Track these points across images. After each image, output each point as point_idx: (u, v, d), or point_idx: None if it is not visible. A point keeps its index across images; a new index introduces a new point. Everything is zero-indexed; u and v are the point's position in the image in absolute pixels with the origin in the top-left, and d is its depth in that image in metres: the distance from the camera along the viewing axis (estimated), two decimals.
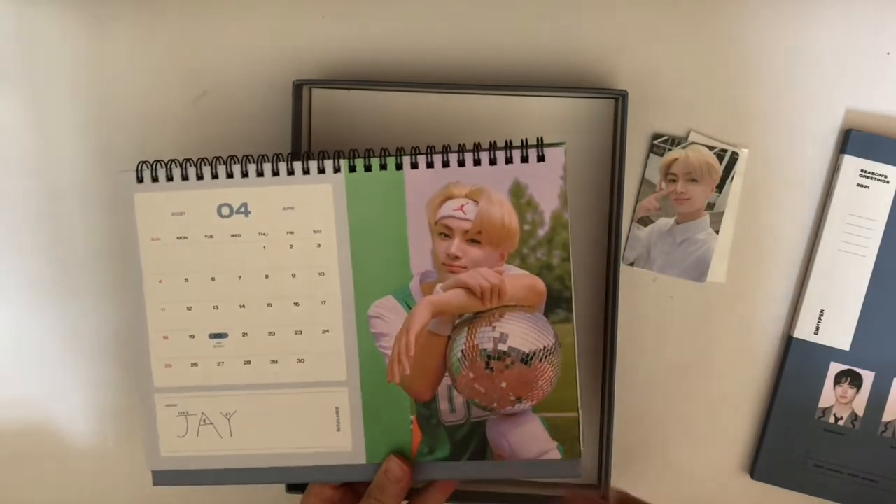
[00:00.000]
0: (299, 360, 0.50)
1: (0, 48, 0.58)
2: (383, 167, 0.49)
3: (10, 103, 0.58)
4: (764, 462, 0.58)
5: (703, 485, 0.60)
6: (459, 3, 0.57)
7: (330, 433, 0.50)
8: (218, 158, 0.49)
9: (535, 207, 0.48)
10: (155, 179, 0.49)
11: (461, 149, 0.49)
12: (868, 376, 0.57)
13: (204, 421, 0.51)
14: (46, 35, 0.58)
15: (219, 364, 0.50)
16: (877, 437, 0.57)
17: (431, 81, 0.57)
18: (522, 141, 0.48)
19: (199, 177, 0.49)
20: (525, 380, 0.49)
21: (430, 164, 0.48)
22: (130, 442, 0.61)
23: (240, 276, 0.50)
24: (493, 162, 0.48)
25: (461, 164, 0.48)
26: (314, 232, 0.49)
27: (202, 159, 0.49)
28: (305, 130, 0.56)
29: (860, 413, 0.57)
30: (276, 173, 0.49)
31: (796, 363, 0.57)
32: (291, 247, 0.49)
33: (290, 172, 0.49)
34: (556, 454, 0.50)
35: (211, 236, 0.49)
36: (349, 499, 0.51)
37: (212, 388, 0.50)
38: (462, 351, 0.49)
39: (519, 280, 0.49)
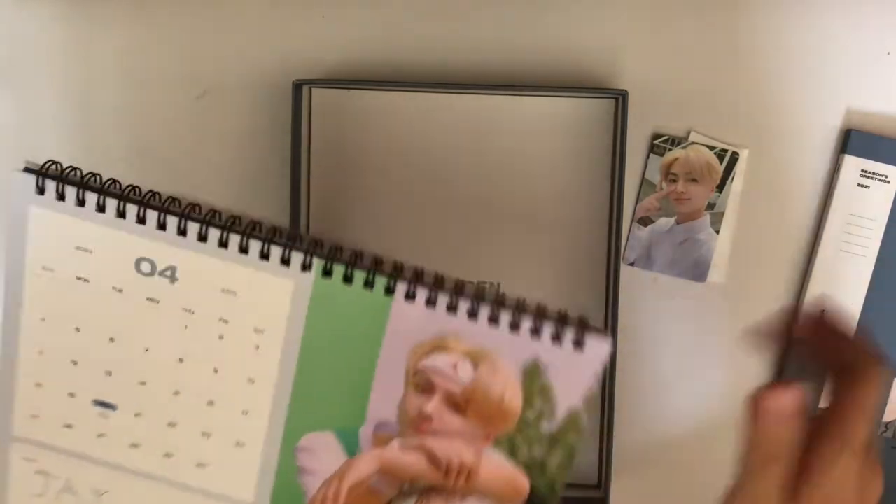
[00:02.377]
0: (199, 465, 0.41)
1: (3, 49, 0.58)
2: (368, 284, 0.38)
3: (7, 103, 0.58)
4: None
5: (704, 485, 0.59)
6: (459, 2, 0.57)
7: None
8: (153, 195, 0.39)
9: (550, 398, 0.38)
10: (61, 197, 0.38)
11: (477, 296, 0.38)
12: None
13: (67, 489, 0.42)
14: (46, 35, 0.58)
15: (99, 436, 0.41)
16: (877, 438, 0.57)
17: (431, 81, 0.57)
18: (560, 314, 0.38)
19: (120, 213, 0.38)
20: None
21: (430, 302, 0.38)
22: None
23: (146, 349, 0.40)
24: (514, 327, 0.38)
25: (472, 315, 0.38)
26: (254, 331, 0.39)
27: (132, 189, 0.39)
28: (305, 130, 0.56)
29: None
30: (223, 244, 0.38)
31: (796, 363, 0.57)
32: (221, 337, 0.40)
33: (244, 250, 0.38)
34: None
35: (120, 290, 0.39)
36: None
37: (84, 457, 0.42)
38: None
39: (499, 470, 0.39)
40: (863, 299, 0.56)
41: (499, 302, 0.38)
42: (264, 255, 0.38)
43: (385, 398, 0.39)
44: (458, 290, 0.38)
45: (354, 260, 0.38)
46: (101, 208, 0.38)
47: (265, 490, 0.41)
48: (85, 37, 0.58)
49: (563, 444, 0.39)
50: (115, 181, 0.39)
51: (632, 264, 0.58)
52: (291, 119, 0.54)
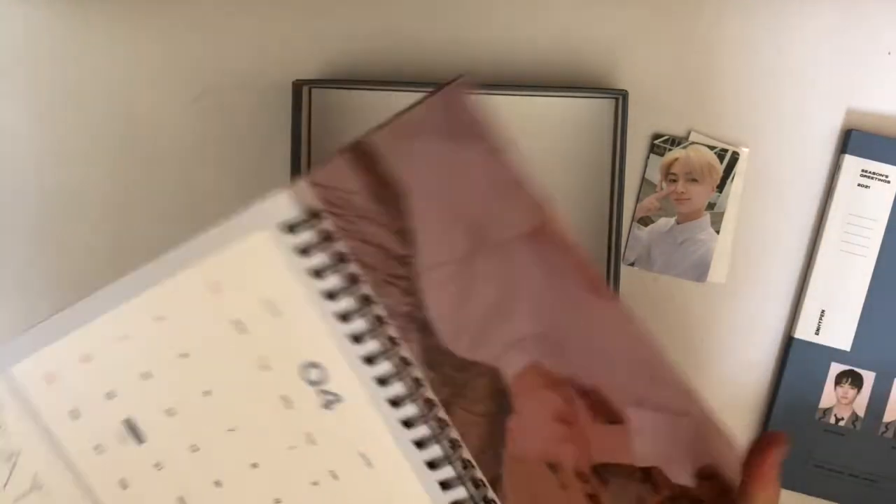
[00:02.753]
0: None
1: (1, 48, 0.58)
2: None
3: (7, 103, 0.58)
4: None
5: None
6: (459, 2, 0.57)
7: None
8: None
9: None
10: (304, 252, 0.31)
11: None
12: (869, 377, 0.57)
13: None
14: (45, 35, 0.58)
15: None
16: (877, 438, 0.57)
17: (431, 81, 0.57)
18: None
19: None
20: None
21: None
22: None
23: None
24: None
25: None
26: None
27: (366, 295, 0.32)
28: (305, 130, 0.56)
29: (861, 413, 0.57)
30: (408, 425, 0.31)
31: (797, 363, 0.57)
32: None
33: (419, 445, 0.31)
34: None
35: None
36: None
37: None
38: None
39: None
40: (863, 299, 0.56)
41: None
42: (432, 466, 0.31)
43: None
44: None
45: None
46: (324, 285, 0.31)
47: None
48: (84, 37, 0.58)
49: None
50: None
51: (632, 264, 0.58)
52: (291, 119, 0.54)
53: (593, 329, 0.38)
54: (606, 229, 0.57)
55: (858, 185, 0.56)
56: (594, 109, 0.57)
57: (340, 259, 0.31)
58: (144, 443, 0.33)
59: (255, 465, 0.33)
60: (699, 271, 0.57)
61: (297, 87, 0.54)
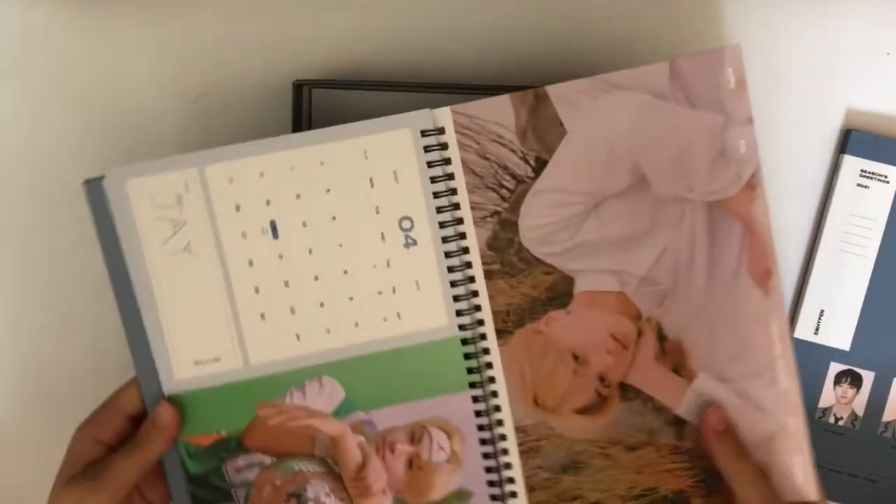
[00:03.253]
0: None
1: (2, 49, 0.58)
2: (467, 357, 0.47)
3: (9, 102, 0.58)
4: None
5: None
6: (460, 2, 0.57)
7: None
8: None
9: None
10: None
11: None
12: (868, 376, 0.57)
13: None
14: (45, 34, 0.58)
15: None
16: (877, 438, 0.57)
17: (431, 81, 0.57)
18: None
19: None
20: None
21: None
22: None
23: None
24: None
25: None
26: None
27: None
28: (305, 130, 0.56)
29: (860, 413, 0.57)
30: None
31: (796, 363, 0.57)
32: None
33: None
34: None
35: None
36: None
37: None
38: (294, 470, 0.47)
39: None
40: (862, 299, 0.56)
41: None
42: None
43: (393, 418, 0.47)
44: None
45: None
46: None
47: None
48: (83, 37, 0.58)
49: None
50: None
51: None
52: (291, 119, 0.54)
53: (728, 305, 0.46)
54: None
55: (858, 185, 0.56)
56: None
57: (446, 161, 0.46)
58: (277, 239, 0.46)
59: (346, 272, 0.46)
60: None
61: (298, 87, 0.54)
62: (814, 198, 0.57)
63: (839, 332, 0.57)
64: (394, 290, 0.46)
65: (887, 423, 0.57)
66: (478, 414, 0.47)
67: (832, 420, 0.57)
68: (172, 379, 0.46)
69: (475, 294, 0.47)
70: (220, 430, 0.47)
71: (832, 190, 0.56)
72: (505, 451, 0.47)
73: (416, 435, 0.46)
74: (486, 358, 0.47)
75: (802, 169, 0.57)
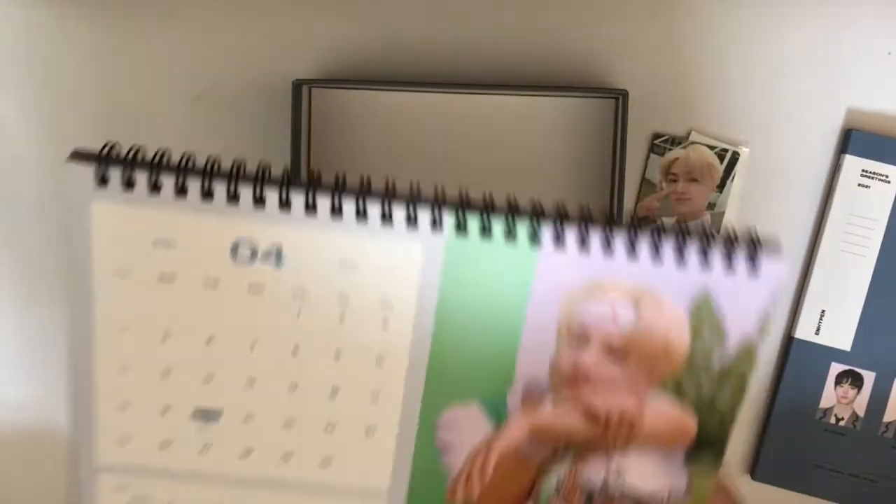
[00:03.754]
0: (324, 461, 0.37)
1: (2, 49, 0.58)
2: (510, 234, 0.33)
3: (10, 103, 0.58)
4: (764, 463, 0.58)
5: None
6: (459, 2, 0.57)
7: None
8: (239, 169, 0.32)
9: (720, 331, 0.34)
10: (129, 185, 0.32)
11: (633, 224, 0.33)
12: (869, 377, 0.57)
13: None
14: (43, 35, 0.58)
15: (204, 447, 0.36)
16: (877, 438, 0.57)
17: (431, 81, 0.57)
18: (729, 236, 0.33)
19: (206, 193, 0.32)
20: None
21: (583, 243, 0.33)
22: None
23: (252, 345, 0.35)
24: (680, 260, 0.33)
25: (631, 252, 0.33)
26: (381, 305, 0.34)
27: (213, 164, 0.33)
28: (305, 130, 0.56)
29: (861, 413, 0.57)
30: (336, 210, 0.32)
31: (797, 364, 0.57)
32: (342, 318, 0.34)
33: (361, 214, 0.32)
34: None
35: (214, 285, 0.34)
36: None
37: (188, 475, 0.37)
38: (558, 483, 0.37)
39: (663, 414, 0.36)
40: (863, 299, 0.56)
41: (658, 232, 0.33)
42: (386, 218, 0.32)
43: (535, 357, 0.35)
44: (611, 224, 0.33)
45: (488, 209, 0.33)
46: (181, 191, 0.32)
47: (402, 475, 0.37)
48: (83, 37, 0.58)
49: (734, 377, 0.35)
50: (186, 160, 0.33)
51: None
52: (291, 119, 0.54)
53: None
54: None
55: (859, 185, 0.56)
56: (594, 109, 0.57)
57: None
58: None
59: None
60: None
61: (297, 87, 0.54)
62: (815, 198, 0.57)
63: (840, 333, 0.57)
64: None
65: (888, 424, 0.57)
66: None
67: (833, 420, 0.57)
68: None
69: None
70: None
71: (833, 190, 0.56)
72: None
73: (576, 335, 0.35)
74: None
75: (803, 169, 0.57)
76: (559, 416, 0.36)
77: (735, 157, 0.57)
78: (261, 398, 0.36)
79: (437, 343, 0.35)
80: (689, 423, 0.36)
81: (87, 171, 0.32)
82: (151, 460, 0.36)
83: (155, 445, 0.36)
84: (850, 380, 0.57)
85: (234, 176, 0.32)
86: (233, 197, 0.32)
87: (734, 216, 0.57)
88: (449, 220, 0.33)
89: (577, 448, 0.37)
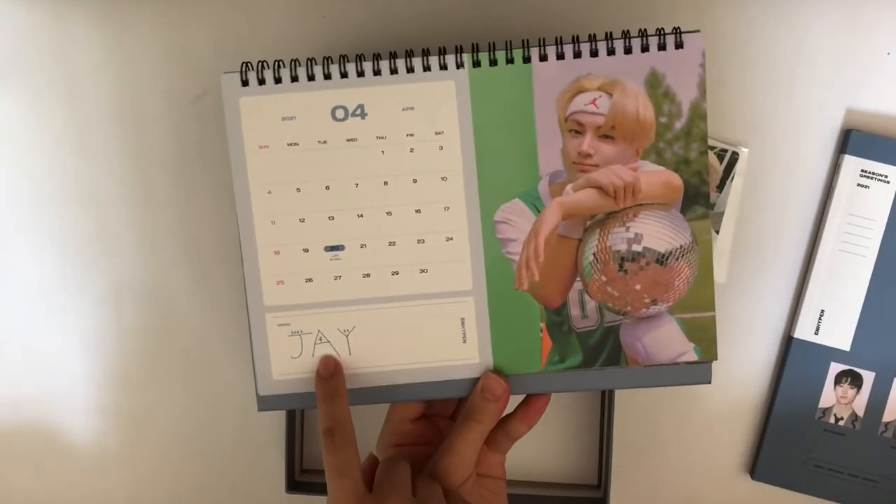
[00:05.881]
0: (422, 271, 0.47)
1: (10, 47, 0.58)
2: (510, 61, 0.46)
3: (12, 103, 0.58)
4: (764, 462, 0.58)
5: (704, 485, 0.59)
6: (459, 3, 0.57)
7: (456, 345, 0.48)
8: (328, 58, 0.46)
9: (673, 98, 0.46)
10: (262, 82, 0.46)
11: (592, 38, 0.46)
12: (868, 376, 0.57)
13: (320, 339, 0.48)
14: (44, 35, 0.58)
15: (336, 278, 0.47)
16: (877, 438, 0.57)
17: None
18: (658, 30, 0.46)
19: (310, 77, 0.46)
20: (660, 281, 0.47)
21: (560, 56, 0.46)
22: (132, 441, 0.61)
23: (356, 184, 0.47)
24: (628, 51, 0.45)
25: (594, 54, 0.45)
26: (436, 133, 0.46)
27: (311, 59, 0.46)
28: None
29: (860, 413, 0.57)
30: (393, 71, 0.46)
31: (796, 363, 0.57)
32: (412, 150, 0.46)
33: (410, 70, 0.46)
34: (692, 356, 0.47)
35: (325, 142, 0.46)
36: (430, 431, 0.50)
37: (328, 304, 0.48)
38: (594, 254, 0.47)
39: (654, 176, 0.46)
40: (862, 299, 0.56)
41: (609, 37, 0.46)
42: (426, 68, 0.46)
43: (550, 152, 0.46)
44: (577, 41, 0.46)
45: (493, 47, 0.46)
46: (294, 78, 0.46)
47: (479, 271, 0.47)
48: (83, 37, 0.58)
49: (695, 134, 0.46)
50: (294, 60, 0.46)
51: None
52: None
53: None
54: None
55: (858, 185, 0.56)
56: None
57: None
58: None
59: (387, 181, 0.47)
60: None
61: None
62: (814, 198, 0.57)
63: (839, 333, 0.57)
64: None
65: (887, 424, 0.57)
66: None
67: (832, 420, 0.57)
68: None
69: None
70: (539, 329, 0.48)
71: (832, 190, 0.56)
72: None
73: (572, 127, 0.46)
74: None
75: (803, 169, 0.57)
76: (579, 195, 0.47)
77: (735, 157, 0.57)
78: (369, 227, 0.47)
79: (480, 156, 0.47)
80: (675, 178, 0.46)
81: (235, 77, 0.46)
82: (302, 297, 0.48)
83: (302, 282, 0.47)
84: (849, 379, 0.57)
85: (325, 61, 0.46)
86: (326, 76, 0.46)
87: (734, 216, 0.57)
88: (467, 59, 0.46)
89: (600, 220, 0.47)
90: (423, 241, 0.47)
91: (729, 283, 0.57)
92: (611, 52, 0.45)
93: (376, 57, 0.46)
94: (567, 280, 0.47)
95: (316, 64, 0.46)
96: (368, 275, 0.47)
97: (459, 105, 0.46)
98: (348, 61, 0.46)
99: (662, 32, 0.45)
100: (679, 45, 0.45)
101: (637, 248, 0.47)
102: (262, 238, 0.47)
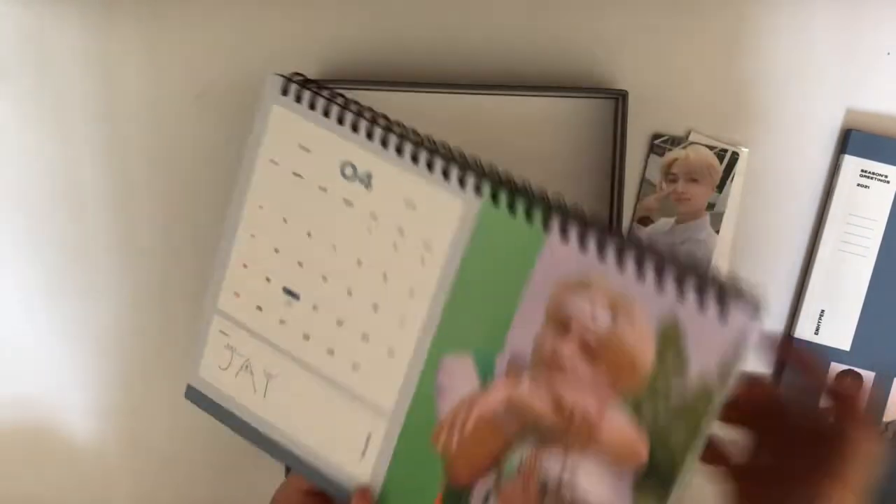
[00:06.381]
0: (354, 366, 0.44)
1: (5, 49, 0.58)
2: (528, 216, 0.39)
3: (15, 103, 0.58)
4: None
5: (705, 485, 0.59)
6: (459, 2, 0.57)
7: (354, 454, 0.45)
8: (365, 109, 0.43)
9: (682, 362, 0.36)
10: (298, 99, 0.43)
11: (627, 240, 0.37)
12: (869, 376, 0.57)
13: (246, 367, 0.47)
14: (49, 36, 0.58)
15: (280, 322, 0.46)
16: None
17: (431, 81, 0.57)
18: (710, 275, 0.36)
19: (340, 120, 0.43)
20: None
21: (581, 241, 0.38)
22: (131, 440, 0.61)
23: (334, 246, 0.44)
24: (659, 283, 0.36)
25: (619, 263, 0.37)
26: (423, 244, 0.42)
27: (349, 101, 0.43)
28: None
29: None
30: (415, 159, 0.41)
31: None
32: (395, 246, 0.42)
33: (429, 166, 0.41)
34: None
35: (325, 189, 0.43)
36: None
37: (266, 341, 0.46)
38: (520, 462, 0.40)
39: (620, 429, 0.38)
40: (862, 299, 0.56)
41: (645, 249, 0.37)
42: (445, 174, 0.41)
43: (524, 329, 0.40)
44: (608, 232, 0.38)
45: (515, 189, 0.40)
46: (325, 113, 0.43)
47: (404, 401, 0.43)
48: (83, 37, 0.58)
49: (690, 417, 0.37)
50: (336, 93, 0.44)
51: None
52: None
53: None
54: None
55: (858, 185, 0.56)
56: (594, 109, 0.57)
57: None
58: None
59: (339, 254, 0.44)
60: None
61: None
62: (814, 198, 0.57)
63: (840, 332, 0.57)
64: (401, 233, 0.44)
65: (888, 424, 0.57)
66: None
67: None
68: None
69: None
70: (434, 494, 0.43)
71: (832, 190, 0.56)
72: None
73: (559, 322, 0.39)
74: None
75: (802, 169, 0.57)
76: (533, 394, 0.40)
77: (735, 158, 0.57)
78: (328, 294, 0.44)
79: (456, 291, 0.42)
80: (641, 446, 0.38)
81: (278, 82, 0.44)
82: (248, 319, 0.46)
83: (253, 306, 0.46)
84: (849, 379, 0.57)
85: (358, 112, 0.43)
86: (354, 127, 0.42)
87: (734, 216, 0.57)
88: (487, 189, 0.40)
89: (541, 433, 0.40)
90: (368, 338, 0.44)
91: None
92: (639, 272, 0.37)
93: (405, 133, 0.42)
94: (482, 467, 0.41)
95: (350, 110, 0.43)
96: (308, 337, 0.45)
97: (458, 231, 0.41)
98: (376, 123, 0.43)
99: (710, 282, 0.35)
100: (722, 314, 0.35)
101: (567, 488, 0.40)
102: (239, 247, 0.46)
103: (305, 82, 0.44)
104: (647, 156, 0.57)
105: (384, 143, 0.42)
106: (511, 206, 0.40)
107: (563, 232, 0.38)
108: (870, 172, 0.56)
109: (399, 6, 0.57)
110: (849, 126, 0.56)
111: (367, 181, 0.43)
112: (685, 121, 0.57)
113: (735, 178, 0.57)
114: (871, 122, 0.56)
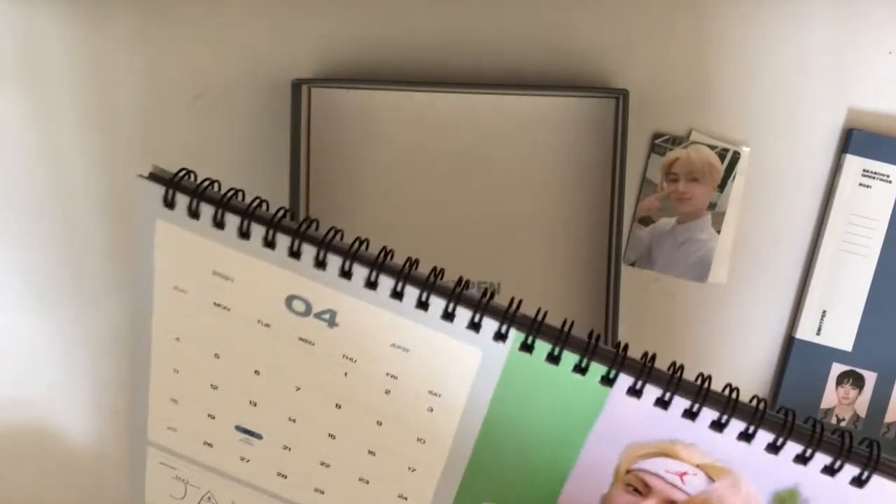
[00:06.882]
0: None
1: (1, 49, 0.58)
2: (581, 370, 0.31)
3: (11, 103, 0.58)
4: None
5: None
6: (459, 2, 0.57)
7: None
8: (311, 223, 0.31)
9: None
10: (194, 215, 0.31)
11: (729, 403, 0.29)
12: (870, 377, 0.56)
13: (208, 499, 0.41)
14: (47, 35, 0.58)
15: (243, 459, 0.38)
16: (879, 439, 0.57)
17: (431, 81, 0.57)
18: (842, 434, 0.29)
19: (269, 244, 0.31)
20: None
21: (662, 402, 0.30)
22: (131, 441, 0.61)
23: (298, 388, 0.35)
24: (773, 449, 0.29)
25: (717, 426, 0.29)
26: (430, 393, 0.33)
27: (280, 212, 0.31)
28: (305, 130, 0.56)
29: (862, 414, 0.57)
30: (397, 296, 0.30)
31: (798, 364, 0.57)
32: (387, 392, 0.34)
33: (422, 306, 0.31)
34: None
35: (268, 325, 0.34)
36: None
37: (228, 476, 0.39)
38: None
39: None
40: (864, 299, 0.56)
41: (760, 414, 0.29)
42: (448, 316, 0.31)
43: (585, 488, 0.33)
44: (699, 391, 0.30)
45: (563, 336, 0.31)
46: (244, 234, 0.31)
47: None
48: (83, 37, 0.58)
49: None
50: (263, 201, 0.32)
51: (632, 264, 0.58)
52: (291, 119, 0.54)
53: None
54: (607, 229, 0.57)
55: (860, 184, 0.56)
56: (594, 109, 0.56)
57: None
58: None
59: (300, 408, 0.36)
60: (700, 271, 0.57)
61: (297, 86, 0.54)
62: (816, 197, 0.57)
63: (841, 333, 0.56)
64: (393, 377, 0.35)
65: (889, 424, 0.57)
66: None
67: (834, 421, 0.57)
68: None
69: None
70: None
71: (834, 190, 0.56)
72: None
73: (629, 482, 0.33)
74: None
75: (804, 168, 0.57)
76: None
77: (736, 157, 0.56)
78: (301, 436, 0.37)
79: (482, 445, 0.34)
80: None
81: (157, 191, 0.31)
82: (196, 454, 0.39)
83: (200, 442, 0.39)
84: (851, 380, 0.57)
85: (300, 233, 0.31)
86: (294, 254, 0.31)
87: (735, 216, 0.57)
88: (516, 336, 0.30)
89: None
90: (368, 482, 0.37)
91: (730, 284, 0.57)
92: (745, 436, 0.29)
93: (380, 263, 0.31)
94: None
95: (284, 228, 0.31)
96: (285, 476, 0.38)
97: (478, 380, 0.32)
98: (332, 249, 0.31)
99: (843, 448, 0.28)
100: (858, 483, 0.28)
101: None
102: (159, 381, 0.37)
103: (199, 188, 0.31)
104: (648, 155, 0.57)
105: (346, 275, 0.31)
106: (553, 359, 0.31)
107: (633, 390, 0.31)
108: (872, 172, 0.55)
109: (398, 5, 0.57)
110: (850, 125, 0.56)
111: (329, 320, 0.33)
112: (686, 120, 0.57)
113: (736, 178, 0.57)
114: (872, 122, 0.56)
